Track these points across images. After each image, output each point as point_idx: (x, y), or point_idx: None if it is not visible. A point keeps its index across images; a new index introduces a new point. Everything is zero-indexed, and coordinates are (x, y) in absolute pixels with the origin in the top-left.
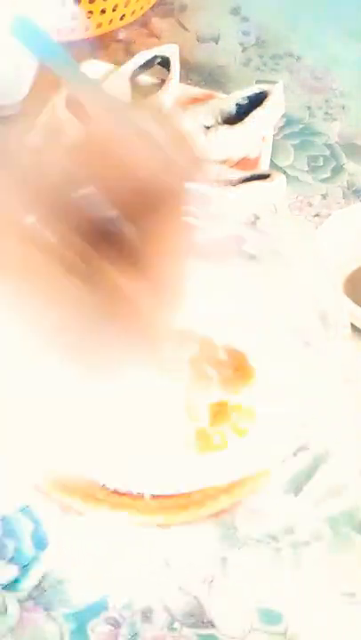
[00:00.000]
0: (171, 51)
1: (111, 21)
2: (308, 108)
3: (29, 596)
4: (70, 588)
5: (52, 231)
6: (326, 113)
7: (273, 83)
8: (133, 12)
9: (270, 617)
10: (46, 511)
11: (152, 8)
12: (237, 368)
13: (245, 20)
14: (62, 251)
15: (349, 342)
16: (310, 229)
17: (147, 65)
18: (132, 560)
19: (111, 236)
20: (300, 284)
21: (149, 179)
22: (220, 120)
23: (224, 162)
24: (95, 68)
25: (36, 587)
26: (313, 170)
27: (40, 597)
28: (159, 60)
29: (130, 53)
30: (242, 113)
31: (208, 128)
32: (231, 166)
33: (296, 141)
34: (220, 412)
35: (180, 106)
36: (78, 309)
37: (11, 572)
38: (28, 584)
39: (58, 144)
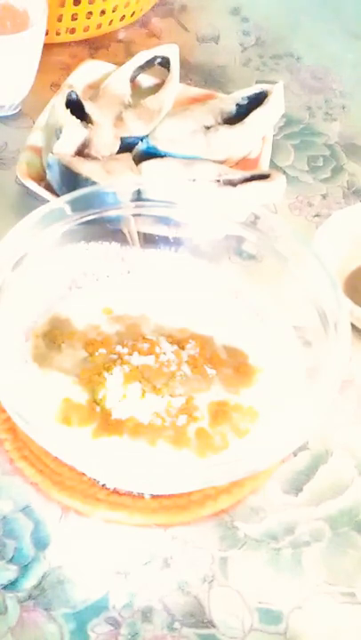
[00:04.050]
0: (171, 51)
1: (111, 22)
2: (308, 108)
3: (29, 596)
4: (70, 588)
5: None
6: (326, 113)
7: (273, 83)
8: (133, 14)
9: (270, 617)
10: (46, 511)
11: (152, 8)
12: (238, 368)
13: (245, 20)
14: None
15: (349, 342)
16: (310, 229)
17: (147, 65)
18: (132, 560)
19: None
20: (300, 283)
21: None
22: (220, 120)
23: (224, 162)
24: (95, 68)
25: (36, 587)
26: (313, 170)
27: (40, 597)
28: (159, 60)
29: (130, 53)
30: (242, 113)
31: (208, 128)
32: (231, 166)
33: (296, 141)
34: (220, 411)
35: (180, 106)
36: None
37: (11, 572)
38: (28, 584)
39: None
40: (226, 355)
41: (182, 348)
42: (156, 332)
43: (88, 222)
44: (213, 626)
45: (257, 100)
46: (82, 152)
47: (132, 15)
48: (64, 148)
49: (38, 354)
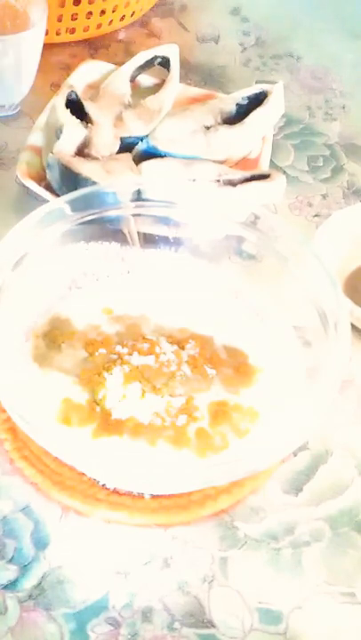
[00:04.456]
0: (171, 51)
1: (111, 22)
2: (308, 107)
3: (29, 596)
4: (70, 588)
5: None
6: (326, 113)
7: (273, 83)
8: (133, 14)
9: (270, 617)
10: (46, 511)
11: (152, 8)
12: (238, 368)
13: (245, 20)
14: None
15: (349, 342)
16: (310, 229)
17: (147, 65)
18: (132, 560)
19: None
20: (300, 283)
21: None
22: (220, 120)
23: (224, 162)
24: (95, 68)
25: (36, 587)
26: (313, 170)
27: (40, 597)
28: (159, 60)
29: (130, 53)
30: (242, 113)
31: (208, 128)
32: (231, 166)
33: (296, 141)
34: (220, 412)
35: (180, 106)
36: None
37: (11, 572)
38: (28, 584)
39: None
40: (226, 355)
41: (182, 348)
42: (156, 332)
43: (88, 222)
44: (213, 626)
45: (257, 100)
46: (82, 152)
47: (132, 15)
48: (64, 148)
49: (38, 354)
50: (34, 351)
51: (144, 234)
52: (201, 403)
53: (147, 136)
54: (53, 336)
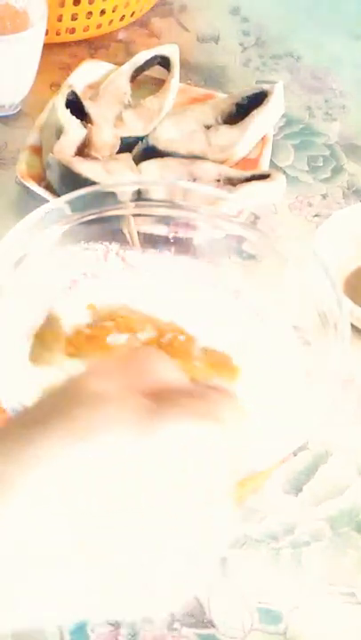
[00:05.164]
0: (171, 51)
1: (111, 22)
2: (308, 108)
3: None
4: None
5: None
6: (326, 113)
7: (273, 83)
8: (133, 14)
9: (270, 617)
10: None
11: (152, 8)
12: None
13: (245, 20)
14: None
15: (349, 342)
16: (310, 229)
17: (147, 65)
18: None
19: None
20: (300, 283)
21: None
22: (220, 120)
23: (224, 162)
24: (95, 68)
25: None
26: (313, 170)
27: None
28: (159, 59)
29: (130, 53)
30: (242, 113)
31: (208, 128)
32: (231, 166)
33: (296, 141)
34: None
35: (180, 106)
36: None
37: None
38: None
39: None
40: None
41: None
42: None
43: (88, 222)
44: (213, 626)
45: (257, 100)
46: (82, 152)
47: (132, 15)
48: (64, 148)
49: (38, 355)
50: (34, 352)
51: (144, 234)
52: None
53: (147, 136)
54: (50, 341)
